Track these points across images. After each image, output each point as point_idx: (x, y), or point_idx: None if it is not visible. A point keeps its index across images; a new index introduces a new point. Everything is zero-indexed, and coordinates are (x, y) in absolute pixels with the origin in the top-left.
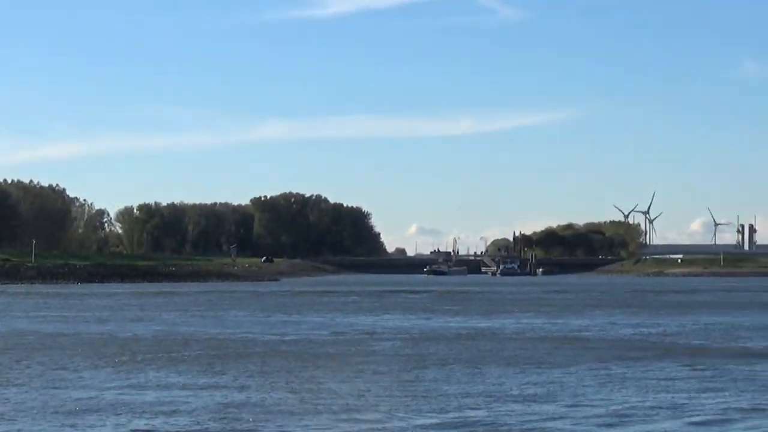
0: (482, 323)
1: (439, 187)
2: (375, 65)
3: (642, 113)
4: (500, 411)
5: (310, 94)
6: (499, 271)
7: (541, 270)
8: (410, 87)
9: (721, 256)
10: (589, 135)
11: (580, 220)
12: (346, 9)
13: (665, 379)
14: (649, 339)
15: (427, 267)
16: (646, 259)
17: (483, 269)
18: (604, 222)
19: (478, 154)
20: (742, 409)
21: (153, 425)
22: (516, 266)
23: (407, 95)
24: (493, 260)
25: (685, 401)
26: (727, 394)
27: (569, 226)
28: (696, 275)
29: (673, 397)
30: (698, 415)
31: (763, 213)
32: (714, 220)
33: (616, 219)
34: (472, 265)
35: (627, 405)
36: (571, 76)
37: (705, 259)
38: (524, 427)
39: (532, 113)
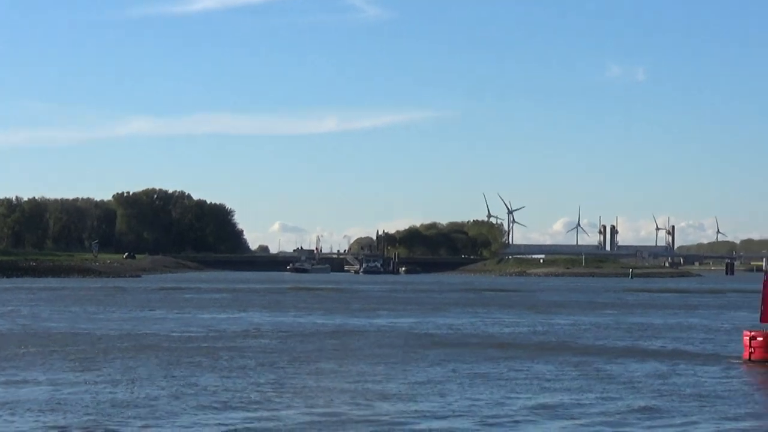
0: (350, 321)
1: (303, 185)
2: (240, 62)
3: (507, 114)
4: (368, 408)
5: (175, 90)
6: (362, 270)
7: (404, 269)
8: (275, 84)
9: (583, 257)
10: (454, 134)
11: (444, 219)
12: (213, 5)
13: (535, 378)
14: (518, 337)
15: (290, 265)
16: (508, 258)
17: (346, 267)
18: (468, 222)
19: (342, 152)
20: (630, 411)
21: (15, 423)
22: (379, 265)
23: (272, 93)
24: (356, 258)
25: (553, 400)
26: (592, 395)
27: (432, 226)
28: (557, 275)
29: (543, 396)
30: (568, 418)
31: (625, 214)
32: (577, 221)
33: (480, 219)
34: (335, 263)
35: (498, 403)
36: (437, 75)
37: (567, 259)
38: (395, 421)
39: (395, 112)
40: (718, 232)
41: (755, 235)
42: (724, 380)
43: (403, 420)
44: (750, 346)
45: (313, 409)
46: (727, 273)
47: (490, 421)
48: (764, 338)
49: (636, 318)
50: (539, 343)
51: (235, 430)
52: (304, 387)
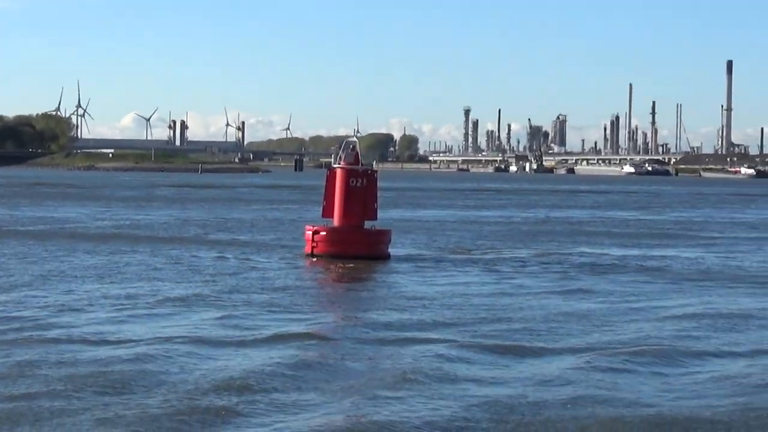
0: None
1: None
2: None
3: (76, 5)
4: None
5: None
6: None
7: None
8: None
9: (153, 152)
10: (22, 24)
11: (11, 112)
12: None
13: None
14: (105, 229)
15: None
16: (77, 152)
17: None
18: (35, 114)
19: None
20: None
21: None
22: None
23: None
24: None
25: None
26: (175, 283)
27: None
28: (127, 170)
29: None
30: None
31: (195, 110)
32: (147, 116)
33: (48, 112)
34: None
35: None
36: None
37: (137, 154)
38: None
39: None
40: (288, 128)
41: (324, 132)
42: (289, 273)
43: (53, 305)
44: (313, 241)
45: None
46: (296, 169)
47: (89, 309)
48: (326, 233)
49: (210, 213)
50: (140, 236)
51: None
52: None
